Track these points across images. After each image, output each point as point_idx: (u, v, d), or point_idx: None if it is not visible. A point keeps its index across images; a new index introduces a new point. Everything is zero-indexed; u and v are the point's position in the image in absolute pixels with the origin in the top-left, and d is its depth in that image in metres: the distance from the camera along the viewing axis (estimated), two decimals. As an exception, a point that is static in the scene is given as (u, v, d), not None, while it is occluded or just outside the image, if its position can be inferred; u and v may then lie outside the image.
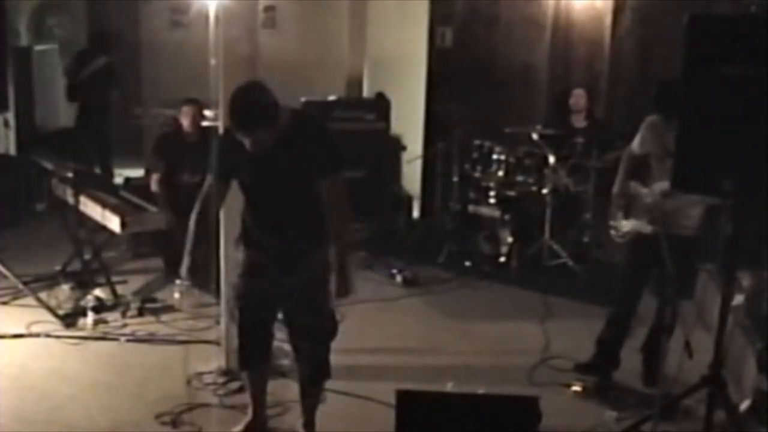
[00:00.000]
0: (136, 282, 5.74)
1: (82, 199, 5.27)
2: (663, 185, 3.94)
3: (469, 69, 7.63)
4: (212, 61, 4.15)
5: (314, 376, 3.52)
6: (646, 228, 4.09)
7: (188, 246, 3.33)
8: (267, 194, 3.27)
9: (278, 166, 3.17)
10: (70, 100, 7.79)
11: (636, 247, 4.20)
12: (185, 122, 5.75)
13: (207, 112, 5.88)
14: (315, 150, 3.20)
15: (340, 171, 3.26)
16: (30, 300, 5.12)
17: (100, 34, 8.08)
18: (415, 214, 7.73)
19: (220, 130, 4.03)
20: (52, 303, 5.11)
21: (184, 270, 3.34)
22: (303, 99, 6.59)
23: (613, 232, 4.34)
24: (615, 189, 4.29)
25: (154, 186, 5.67)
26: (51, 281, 5.51)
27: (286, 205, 3.25)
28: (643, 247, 4.11)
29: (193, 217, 3.37)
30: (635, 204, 4.18)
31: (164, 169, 5.69)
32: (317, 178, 3.19)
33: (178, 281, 5.50)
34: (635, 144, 4.19)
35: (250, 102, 3.06)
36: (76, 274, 5.52)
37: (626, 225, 4.22)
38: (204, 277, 5.39)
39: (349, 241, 3.32)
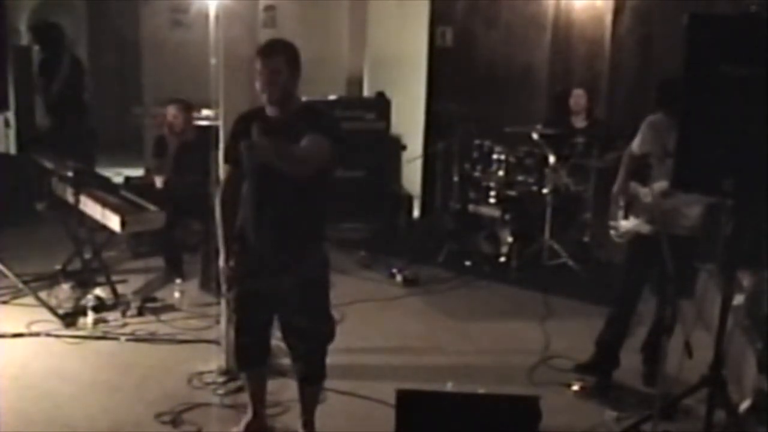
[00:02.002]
0: (136, 281, 5.74)
1: (82, 198, 5.27)
2: (662, 185, 3.95)
3: (469, 69, 7.63)
4: (212, 61, 4.15)
5: (309, 377, 3.51)
6: (645, 228, 4.09)
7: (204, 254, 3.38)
8: (266, 183, 3.21)
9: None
10: (49, 114, 7.30)
11: (635, 247, 4.20)
12: (168, 121, 5.81)
13: (206, 111, 5.89)
14: (312, 124, 3.19)
15: (325, 134, 3.15)
16: (30, 299, 5.12)
17: (37, 29, 7.59)
18: (415, 213, 7.74)
19: (220, 130, 4.04)
20: (53, 302, 5.11)
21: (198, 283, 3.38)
22: (303, 99, 6.58)
23: (612, 232, 4.35)
24: (615, 188, 4.30)
25: (158, 183, 5.72)
26: (51, 280, 5.51)
27: (284, 199, 3.21)
28: (642, 247, 4.11)
29: (216, 204, 3.44)
30: (634, 204, 4.18)
31: (170, 167, 5.71)
32: (305, 135, 3.11)
33: (178, 281, 5.53)
34: (635, 144, 4.19)
35: (282, 39, 3.33)
36: (76, 273, 5.52)
37: (625, 225, 4.23)
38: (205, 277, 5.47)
39: (294, 156, 3.08)
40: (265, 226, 3.27)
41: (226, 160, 3.49)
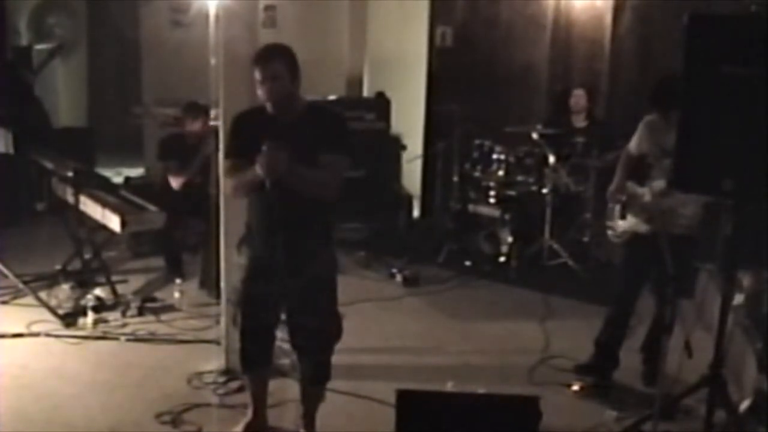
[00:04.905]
0: (136, 281, 5.74)
1: (82, 198, 5.27)
2: (660, 184, 3.95)
3: (469, 69, 7.63)
4: (212, 61, 4.15)
5: (315, 377, 3.51)
6: (643, 227, 4.10)
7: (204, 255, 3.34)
8: (274, 184, 3.14)
9: (291, 150, 3.12)
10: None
11: (633, 246, 4.20)
12: (194, 129, 5.65)
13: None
14: (324, 133, 3.21)
15: (342, 153, 3.23)
16: (30, 299, 5.13)
17: None
18: (415, 213, 7.75)
19: (220, 131, 4.04)
20: (53, 302, 5.11)
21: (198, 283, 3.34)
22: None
23: (610, 232, 4.35)
24: (611, 188, 4.30)
25: (175, 184, 5.62)
26: (51, 280, 5.50)
27: (293, 197, 3.17)
28: (640, 246, 4.12)
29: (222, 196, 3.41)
30: (632, 203, 4.18)
31: (178, 167, 5.63)
32: (319, 155, 3.16)
33: (178, 281, 5.53)
34: (632, 144, 4.20)
35: (277, 44, 3.31)
36: (76, 273, 5.52)
37: (623, 225, 4.23)
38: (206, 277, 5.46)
39: (316, 183, 3.18)
40: (273, 227, 3.25)
41: (227, 156, 3.41)
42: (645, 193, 4.11)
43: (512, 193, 6.53)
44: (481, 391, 3.66)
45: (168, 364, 4.42)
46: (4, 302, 5.25)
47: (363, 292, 5.70)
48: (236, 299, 3.43)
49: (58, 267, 5.61)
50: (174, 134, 5.94)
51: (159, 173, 5.99)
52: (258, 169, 3.06)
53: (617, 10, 6.91)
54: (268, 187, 3.11)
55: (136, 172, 8.14)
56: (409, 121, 7.75)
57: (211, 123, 5.73)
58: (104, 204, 5.19)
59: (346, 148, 3.26)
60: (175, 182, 5.67)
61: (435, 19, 7.75)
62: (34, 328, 4.82)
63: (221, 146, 3.98)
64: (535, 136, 6.40)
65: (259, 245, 3.31)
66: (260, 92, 3.19)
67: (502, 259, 6.35)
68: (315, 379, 3.52)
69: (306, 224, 3.26)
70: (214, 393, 4.05)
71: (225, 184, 3.45)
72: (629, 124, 4.42)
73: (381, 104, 7.37)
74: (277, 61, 3.16)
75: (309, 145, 3.17)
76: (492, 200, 6.56)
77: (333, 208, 3.34)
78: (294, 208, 3.21)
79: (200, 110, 5.63)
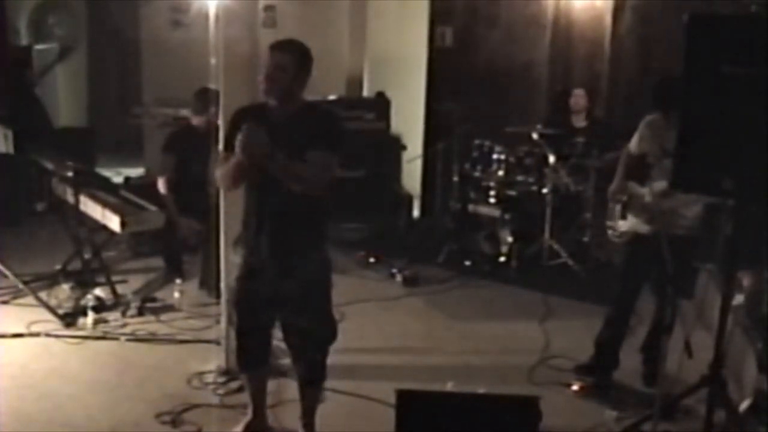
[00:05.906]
0: (136, 281, 5.74)
1: (82, 198, 5.26)
2: (661, 185, 3.95)
3: (469, 69, 7.63)
4: (212, 61, 4.15)
5: (310, 378, 3.51)
6: (644, 228, 4.10)
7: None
8: (267, 183, 3.17)
9: (283, 147, 3.12)
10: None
11: (633, 247, 4.20)
12: (205, 117, 5.41)
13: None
14: (314, 130, 3.21)
15: (328, 149, 3.20)
16: (30, 299, 5.12)
17: None
18: (416, 213, 7.75)
19: (220, 129, 4.04)
20: (53, 302, 5.11)
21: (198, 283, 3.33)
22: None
23: (610, 232, 4.35)
24: (612, 188, 4.30)
25: (162, 188, 5.55)
26: (51, 280, 5.50)
27: (285, 200, 3.17)
28: (640, 246, 4.12)
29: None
30: (633, 204, 4.18)
31: (173, 168, 5.57)
32: (307, 150, 3.14)
33: (178, 281, 5.52)
34: (633, 144, 4.20)
35: (295, 40, 3.28)
36: (76, 273, 5.51)
37: (623, 225, 4.23)
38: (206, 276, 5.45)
39: (296, 174, 3.13)
40: (266, 228, 3.26)
41: (226, 149, 3.39)
42: (645, 193, 4.11)
43: (512, 193, 6.53)
44: (481, 391, 3.66)
45: (168, 364, 4.42)
46: (4, 302, 5.25)
47: (363, 292, 5.70)
48: (231, 298, 3.43)
49: (58, 267, 5.60)
50: (183, 128, 5.87)
51: (159, 166, 5.81)
52: (236, 148, 3.05)
53: (617, 10, 6.91)
54: (245, 164, 3.09)
55: (136, 172, 8.14)
56: (409, 121, 7.75)
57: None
58: (104, 204, 5.19)
59: (333, 145, 3.23)
60: (160, 184, 5.54)
61: (435, 19, 7.75)
62: (34, 328, 4.82)
63: (221, 145, 3.98)
64: (535, 136, 6.40)
65: (253, 244, 3.31)
66: (260, 79, 3.20)
67: (502, 259, 6.35)
68: (310, 380, 3.52)
69: (296, 224, 3.24)
70: (214, 393, 4.05)
71: (216, 176, 3.45)
72: (629, 124, 4.43)
73: (381, 104, 7.37)
74: (285, 52, 3.18)
75: (301, 143, 3.16)
76: (492, 200, 6.56)
77: (327, 207, 3.34)
78: (284, 206, 3.21)
79: (212, 96, 5.54)
